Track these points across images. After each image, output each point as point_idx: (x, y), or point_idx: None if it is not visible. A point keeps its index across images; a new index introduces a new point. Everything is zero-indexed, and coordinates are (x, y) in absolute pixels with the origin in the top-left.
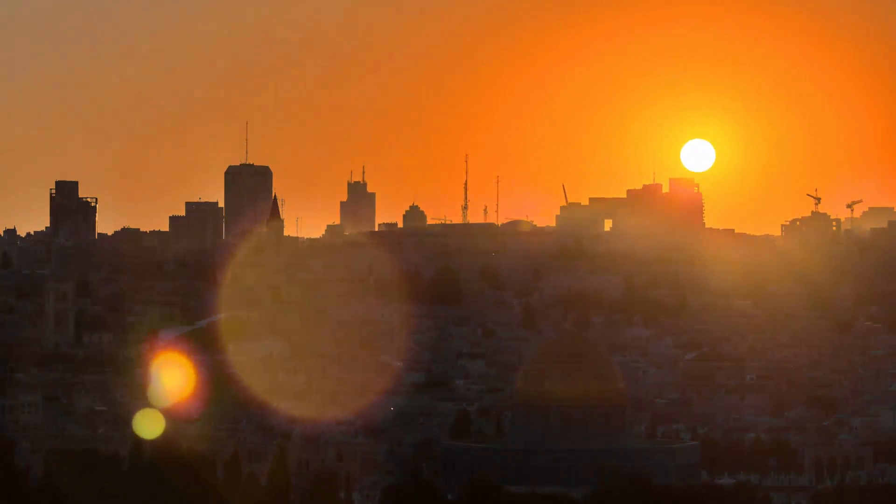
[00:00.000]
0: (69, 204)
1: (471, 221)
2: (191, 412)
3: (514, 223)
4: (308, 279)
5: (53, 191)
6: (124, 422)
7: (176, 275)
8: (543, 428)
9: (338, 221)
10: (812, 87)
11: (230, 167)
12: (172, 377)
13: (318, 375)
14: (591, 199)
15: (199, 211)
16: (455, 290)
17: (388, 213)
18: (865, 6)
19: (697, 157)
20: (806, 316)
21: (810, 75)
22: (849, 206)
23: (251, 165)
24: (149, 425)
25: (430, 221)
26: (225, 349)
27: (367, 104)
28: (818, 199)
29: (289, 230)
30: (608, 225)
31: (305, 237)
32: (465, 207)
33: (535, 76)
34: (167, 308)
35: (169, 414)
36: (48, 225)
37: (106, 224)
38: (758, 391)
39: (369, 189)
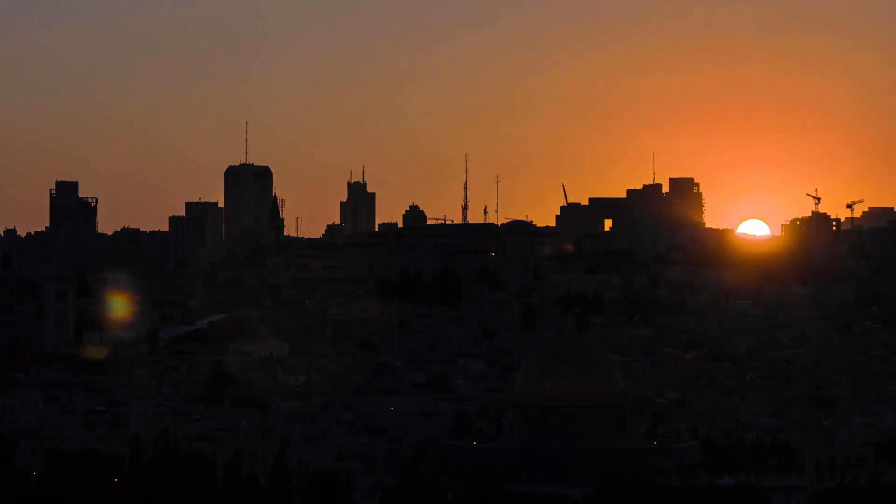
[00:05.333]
0: (69, 204)
1: (471, 221)
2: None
3: (514, 223)
4: (308, 279)
5: (53, 191)
6: (124, 422)
7: (176, 275)
8: (543, 428)
9: (338, 221)
10: (812, 87)
11: (230, 167)
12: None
13: (318, 375)
14: (591, 199)
15: (198, 211)
16: (455, 290)
17: (388, 213)
18: (865, 8)
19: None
20: (806, 316)
21: (810, 75)
22: (849, 206)
23: (251, 165)
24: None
25: (430, 221)
26: (225, 349)
27: (367, 104)
28: (818, 199)
29: (289, 230)
30: (608, 225)
31: (305, 237)
32: (465, 207)
33: (535, 76)
34: (167, 308)
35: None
36: (48, 225)
37: (106, 224)
38: (758, 391)
39: (369, 189)
